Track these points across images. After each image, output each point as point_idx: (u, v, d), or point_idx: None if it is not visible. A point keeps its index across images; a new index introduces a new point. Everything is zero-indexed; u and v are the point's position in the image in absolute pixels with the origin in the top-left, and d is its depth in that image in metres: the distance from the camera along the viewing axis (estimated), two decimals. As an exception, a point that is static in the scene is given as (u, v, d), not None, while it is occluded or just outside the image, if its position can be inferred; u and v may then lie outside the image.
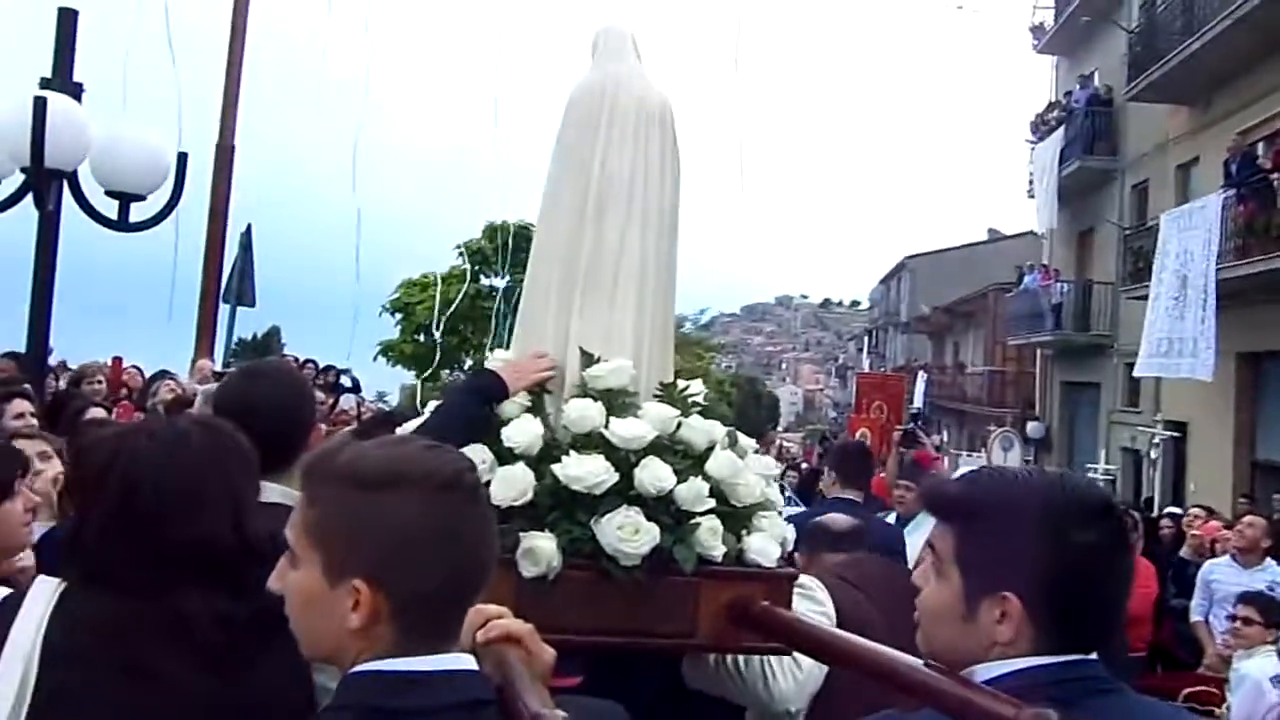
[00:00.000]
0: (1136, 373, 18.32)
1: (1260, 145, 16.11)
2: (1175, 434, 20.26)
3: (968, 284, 36.87)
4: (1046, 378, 28.98)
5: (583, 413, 2.57)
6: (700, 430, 2.66)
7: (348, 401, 10.39)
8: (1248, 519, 7.56)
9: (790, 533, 2.81)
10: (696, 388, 2.87)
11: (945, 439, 38.65)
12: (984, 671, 1.55)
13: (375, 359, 31.71)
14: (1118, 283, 21.95)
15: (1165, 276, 17.41)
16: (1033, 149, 27.91)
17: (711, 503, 2.54)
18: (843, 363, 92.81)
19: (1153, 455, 21.25)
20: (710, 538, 2.50)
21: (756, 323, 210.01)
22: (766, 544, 2.60)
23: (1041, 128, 27.19)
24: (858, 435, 31.72)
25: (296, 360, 15.55)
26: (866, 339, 68.58)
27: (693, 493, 2.52)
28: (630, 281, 2.84)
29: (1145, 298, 18.67)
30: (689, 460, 2.61)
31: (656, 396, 2.76)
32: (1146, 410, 21.70)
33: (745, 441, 2.87)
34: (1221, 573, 7.17)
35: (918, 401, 39.15)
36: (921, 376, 40.05)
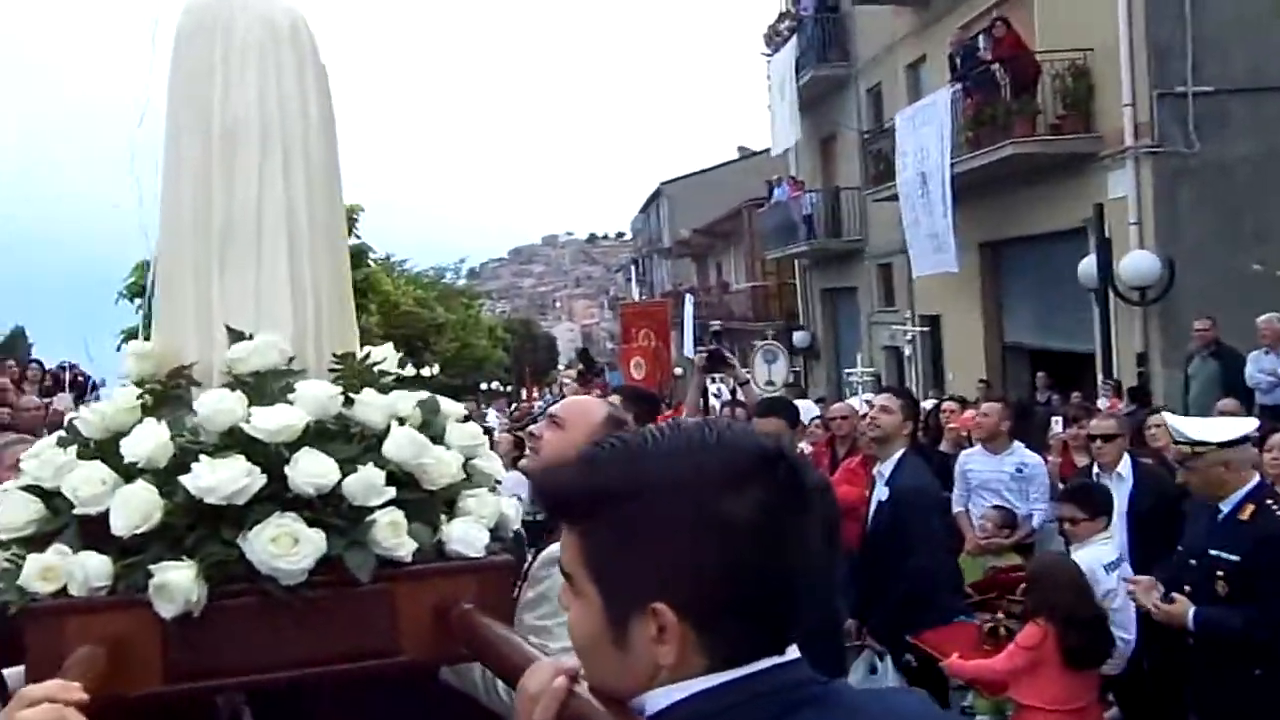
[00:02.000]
0: (916, 274, 18.81)
1: (980, 38, 16.59)
2: (928, 328, 21.07)
3: (725, 204, 37.24)
4: (807, 287, 29.67)
5: (216, 406, 2.07)
6: (376, 407, 2.21)
7: (62, 401, 9.38)
8: (984, 406, 7.65)
9: (512, 508, 2.40)
10: (383, 353, 2.42)
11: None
12: (652, 702, 1.18)
13: (119, 348, 29.62)
14: (862, 187, 22.48)
15: (907, 176, 17.87)
16: (769, 61, 28.22)
17: (391, 492, 2.12)
18: (614, 294, 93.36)
19: (909, 350, 22.11)
20: (391, 534, 2.09)
21: (525, 265, 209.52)
22: (470, 530, 2.18)
23: (775, 39, 27.48)
24: (632, 365, 31.78)
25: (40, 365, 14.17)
26: (633, 269, 69.00)
27: (362, 484, 2.08)
28: (278, 236, 2.36)
29: (890, 199, 19.17)
30: (363, 445, 2.17)
31: (332, 372, 2.29)
32: (902, 307, 22.45)
33: (451, 408, 2.45)
34: (975, 461, 7.25)
35: (687, 325, 39.78)
36: (689, 299, 40.59)
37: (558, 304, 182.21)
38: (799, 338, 28.94)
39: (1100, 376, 14.02)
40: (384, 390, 2.27)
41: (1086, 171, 14.92)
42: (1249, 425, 4.59)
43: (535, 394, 40.89)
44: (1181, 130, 13.62)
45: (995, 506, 6.89)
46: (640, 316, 36.00)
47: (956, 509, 7.15)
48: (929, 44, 19.89)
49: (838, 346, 28.16)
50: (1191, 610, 4.38)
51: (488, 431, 10.24)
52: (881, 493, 5.41)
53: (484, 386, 49.35)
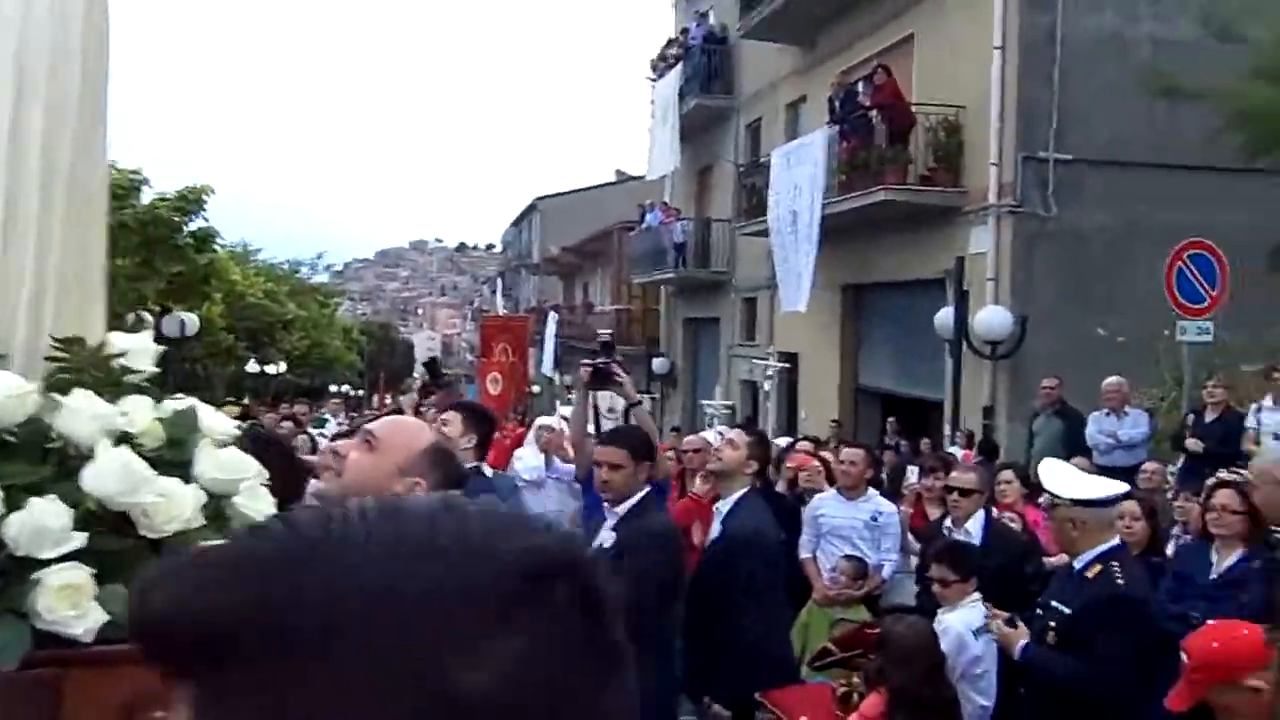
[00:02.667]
0: (782, 310, 18.83)
1: (861, 84, 16.77)
2: (787, 364, 21.18)
3: (598, 224, 37.12)
4: (671, 314, 29.66)
5: None
6: (86, 415, 1.70)
7: None
8: (847, 454, 7.32)
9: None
10: (134, 342, 1.97)
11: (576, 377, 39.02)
12: None
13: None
14: (733, 219, 22.54)
15: (779, 213, 17.93)
16: (653, 86, 28.22)
17: (78, 539, 1.60)
18: (478, 306, 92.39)
19: (766, 386, 22.19)
20: (63, 602, 1.56)
21: (391, 268, 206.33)
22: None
23: (661, 65, 27.48)
24: (489, 380, 31.22)
25: None
26: (499, 281, 68.37)
27: (29, 525, 1.56)
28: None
29: (759, 234, 19.23)
30: (61, 468, 1.67)
31: (51, 362, 1.85)
32: (762, 342, 22.55)
33: (216, 424, 1.96)
34: (828, 507, 7.06)
35: (548, 343, 39.41)
36: (552, 317, 40.27)
37: (420, 311, 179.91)
38: (658, 364, 28.89)
39: (948, 427, 14.22)
40: (121, 393, 1.80)
41: (951, 225, 15.16)
42: (1114, 489, 4.54)
43: (388, 401, 39.93)
44: (1041, 194, 13.95)
45: (847, 556, 6.74)
46: (500, 331, 35.30)
47: (804, 555, 6.99)
48: (811, 85, 20.07)
49: (696, 376, 28.18)
50: (1023, 642, 4.37)
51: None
52: (715, 531, 5.19)
53: (334, 389, 48.14)
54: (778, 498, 7.41)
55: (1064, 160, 13.90)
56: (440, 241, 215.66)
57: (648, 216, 28.07)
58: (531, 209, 56.36)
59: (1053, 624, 4.33)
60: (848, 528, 6.92)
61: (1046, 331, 13.64)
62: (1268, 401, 9.09)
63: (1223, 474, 6.38)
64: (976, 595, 4.96)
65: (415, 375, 73.09)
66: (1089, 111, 13.94)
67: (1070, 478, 4.52)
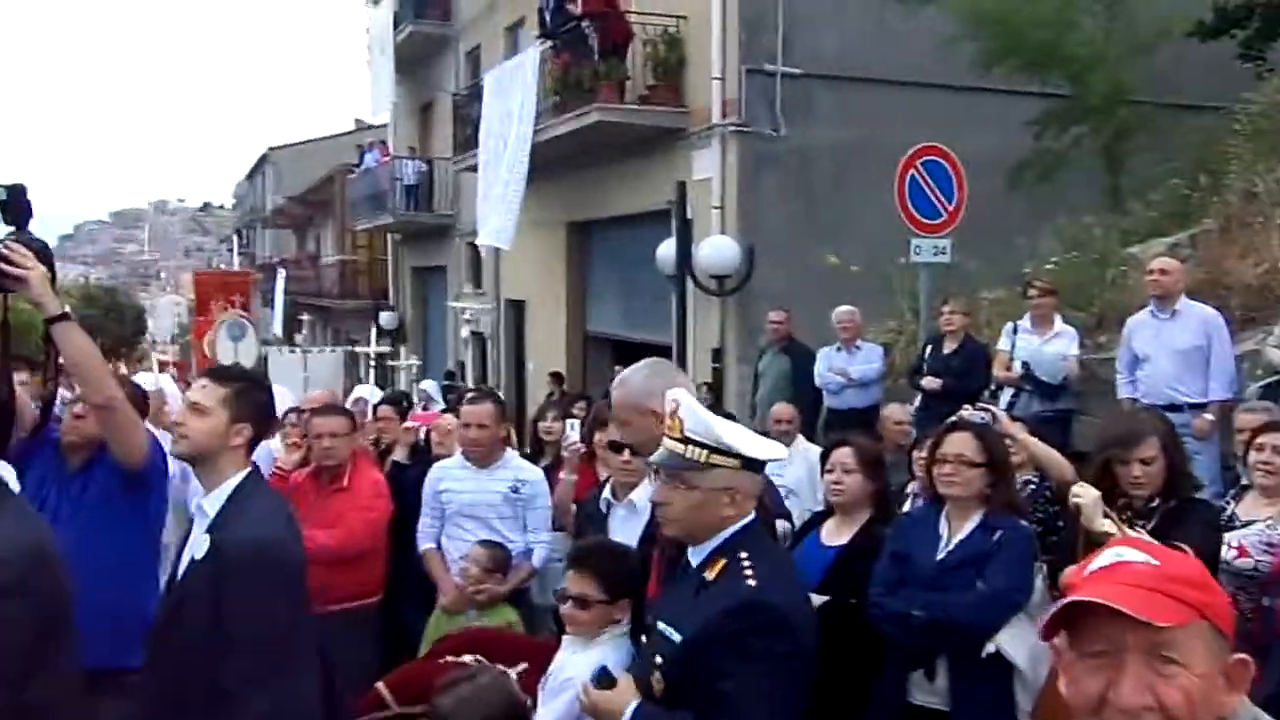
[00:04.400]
0: (479, 242, 16.83)
1: (573, -8, 14.99)
2: (513, 312, 19.46)
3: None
4: (398, 264, 27.39)
5: None
6: None
7: None
8: (471, 412, 5.47)
9: None
10: None
11: (305, 335, 36.22)
12: None
13: None
14: (452, 156, 20.50)
15: (490, 142, 16.05)
16: (369, 16, 25.73)
17: None
18: (217, 266, 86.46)
19: (491, 334, 20.44)
20: None
21: (130, 230, 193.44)
22: None
23: (373, -10, 25.03)
24: (205, 342, 28.20)
25: None
26: (236, 239, 63.90)
27: None
28: None
29: (475, 169, 17.30)
30: None
31: None
32: (489, 289, 20.71)
33: None
34: (451, 478, 5.30)
35: (278, 300, 36.31)
36: (280, 272, 37.12)
37: (163, 274, 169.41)
38: (386, 318, 26.61)
39: (677, 373, 12.78)
40: None
41: (674, 149, 13.67)
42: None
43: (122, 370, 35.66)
44: (768, 112, 12.60)
45: (483, 541, 5.00)
46: (219, 288, 32.41)
47: (424, 546, 5.23)
48: (531, 5, 18.16)
49: (426, 330, 26.08)
50: (631, 706, 2.66)
51: None
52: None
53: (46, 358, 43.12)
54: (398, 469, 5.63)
55: (792, 75, 12.58)
56: (183, 201, 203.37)
57: (365, 158, 25.67)
58: (263, 161, 52.40)
59: (659, 660, 2.68)
60: (482, 504, 5.18)
61: (777, 262, 12.35)
62: (1025, 322, 7.91)
63: (964, 411, 4.97)
64: (624, 626, 3.26)
65: (148, 341, 67.49)
66: (817, 21, 12.66)
67: (729, 427, 2.86)
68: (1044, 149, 11.33)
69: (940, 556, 3.97)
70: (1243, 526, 4.55)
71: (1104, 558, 1.60)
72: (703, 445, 2.70)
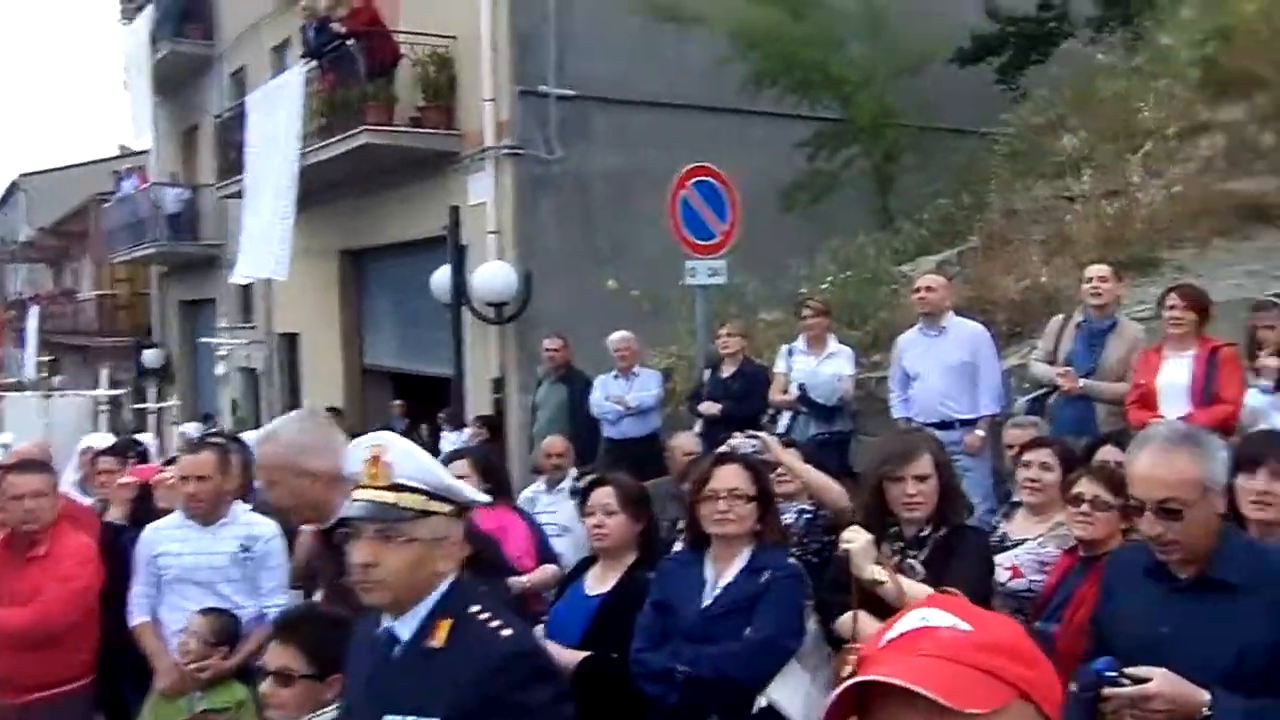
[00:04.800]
0: (233, 279, 15.89)
1: (335, 10, 14.31)
2: (286, 346, 18.50)
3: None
4: (163, 298, 25.77)
5: None
6: None
7: None
8: (189, 463, 4.84)
9: None
10: None
11: (65, 379, 33.75)
12: None
13: None
14: (215, 182, 19.36)
15: (256, 166, 15.17)
16: (125, 35, 24.17)
17: None
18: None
19: (264, 371, 19.41)
20: None
21: None
22: None
23: (129, 7, 23.51)
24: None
25: None
26: (-13, 273, 59.36)
27: None
28: None
29: (240, 195, 16.34)
30: None
31: None
32: (261, 324, 19.64)
33: None
34: (167, 539, 4.61)
35: (30, 340, 33.69)
36: (33, 309, 34.50)
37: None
38: (149, 356, 25.00)
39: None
40: None
41: (448, 173, 13.18)
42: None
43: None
44: (543, 134, 12.27)
45: (205, 610, 4.38)
46: (-42, 324, 29.88)
47: (138, 619, 4.57)
48: (295, 24, 17.35)
49: (195, 367, 24.58)
50: None
51: None
52: None
53: None
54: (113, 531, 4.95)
55: (566, 97, 12.30)
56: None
57: (123, 184, 24.08)
58: (13, 188, 48.80)
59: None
60: (205, 568, 4.55)
61: (556, 288, 12.01)
62: (800, 344, 7.76)
63: (735, 439, 4.70)
64: (334, 710, 2.76)
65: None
66: (590, 42, 12.41)
67: (443, 468, 2.45)
68: (816, 171, 11.40)
69: (705, 604, 3.64)
70: (1014, 546, 4.41)
71: (905, 621, 1.27)
72: (419, 492, 2.33)
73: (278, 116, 14.39)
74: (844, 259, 9.94)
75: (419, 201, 13.67)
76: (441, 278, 12.11)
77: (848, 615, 3.46)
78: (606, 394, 8.74)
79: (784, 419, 7.59)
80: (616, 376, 8.84)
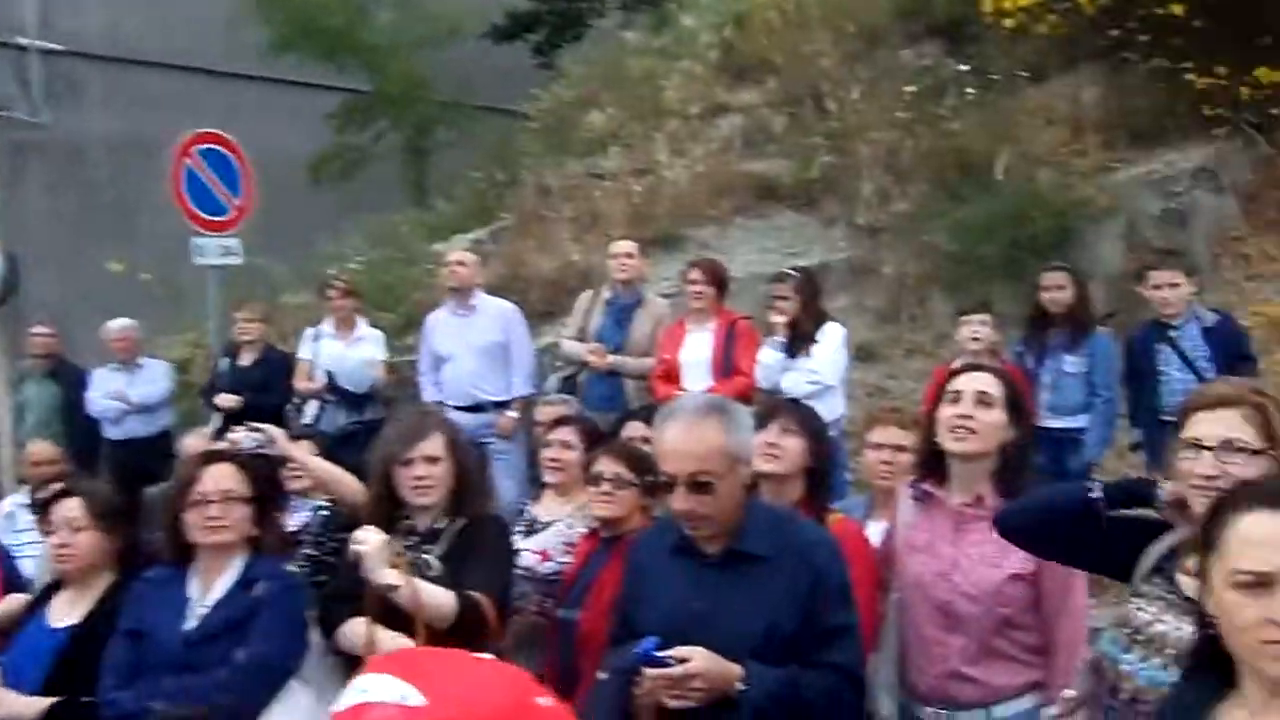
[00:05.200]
0: None
1: None
2: None
3: None
4: None
5: None
6: None
7: None
8: None
9: None
10: None
11: None
12: None
13: None
14: None
15: None
16: None
17: None
18: None
19: None
20: None
21: None
22: None
23: None
24: None
25: None
26: None
27: None
28: None
29: None
30: None
31: None
32: None
33: None
34: None
35: None
36: None
37: None
38: None
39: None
40: None
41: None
42: None
43: None
44: (27, 94, 10.74)
45: None
46: None
47: None
48: None
49: None
50: None
51: None
52: None
53: None
54: None
55: (54, 51, 10.84)
56: None
57: None
58: None
59: None
60: None
61: (50, 271, 10.56)
62: (326, 327, 7.17)
63: (236, 434, 4.14)
64: None
65: None
66: (81, -4, 11.05)
67: None
68: (346, 143, 10.82)
69: (188, 627, 3.09)
70: (544, 529, 4.19)
71: (347, 694, 1.19)
72: None
73: None
74: (376, 237, 9.45)
75: None
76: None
77: (354, 624, 3.06)
78: (106, 390, 7.71)
79: (311, 408, 7.02)
80: (116, 369, 7.82)
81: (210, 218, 7.78)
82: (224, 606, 3.11)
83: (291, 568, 3.24)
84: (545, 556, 3.97)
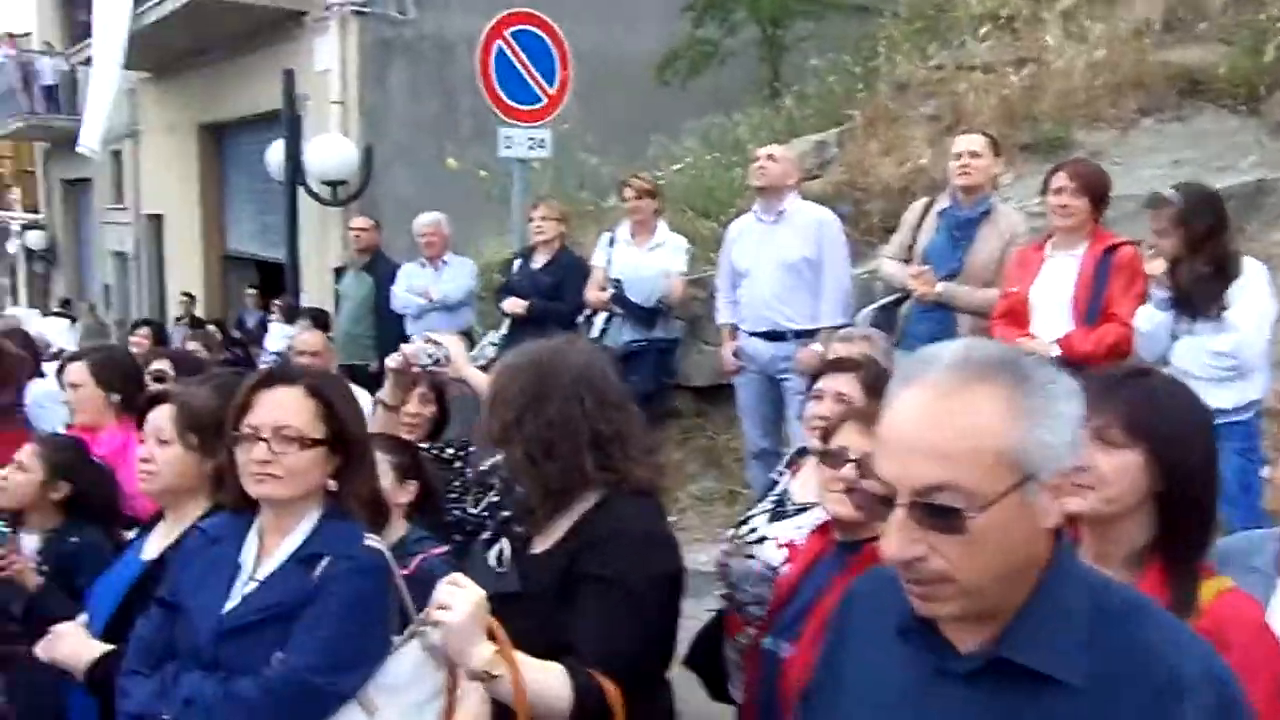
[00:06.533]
0: (79, 146, 14.19)
1: None
2: (153, 228, 16.93)
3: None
4: (46, 176, 23.95)
5: None
6: None
7: None
8: None
9: None
10: None
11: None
12: None
13: None
14: (66, 47, 17.55)
15: (99, 28, 13.45)
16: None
17: None
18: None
19: (133, 255, 17.87)
20: None
21: None
22: None
23: None
24: None
25: None
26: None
27: None
28: None
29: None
30: None
31: None
32: (130, 204, 18.00)
33: None
34: None
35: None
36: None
37: None
38: (34, 238, 23.30)
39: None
40: None
41: (295, 36, 11.57)
42: None
43: None
44: (394, -11, 10.67)
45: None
46: None
47: None
48: None
49: (78, 251, 22.90)
50: None
51: None
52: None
53: None
54: None
55: (421, -55, 10.67)
56: None
57: (-6, 51, 22.06)
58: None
59: None
60: None
61: (405, 168, 10.54)
62: (622, 231, 6.39)
63: (410, 346, 3.41)
64: None
65: None
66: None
67: None
68: (697, 39, 9.90)
69: (230, 606, 2.32)
70: (797, 512, 3.11)
71: None
72: None
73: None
74: (712, 140, 8.51)
75: (270, 69, 12.05)
76: (276, 153, 10.60)
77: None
78: (408, 285, 7.36)
79: (599, 321, 6.27)
80: (423, 265, 7.45)
81: (520, 106, 7.15)
82: (275, 585, 2.31)
83: (374, 542, 2.36)
84: (793, 554, 2.90)
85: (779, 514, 3.11)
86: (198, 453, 2.80)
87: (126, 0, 11.99)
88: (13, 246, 17.33)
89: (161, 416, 2.84)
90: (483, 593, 2.03)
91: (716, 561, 3.08)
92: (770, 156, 5.58)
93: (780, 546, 2.93)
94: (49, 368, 5.03)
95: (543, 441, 2.36)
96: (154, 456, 2.81)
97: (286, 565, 2.33)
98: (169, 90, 14.54)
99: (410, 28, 10.76)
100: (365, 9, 10.60)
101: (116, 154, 18.44)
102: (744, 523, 3.18)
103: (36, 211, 24.64)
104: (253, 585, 2.34)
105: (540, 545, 2.37)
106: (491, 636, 2.02)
